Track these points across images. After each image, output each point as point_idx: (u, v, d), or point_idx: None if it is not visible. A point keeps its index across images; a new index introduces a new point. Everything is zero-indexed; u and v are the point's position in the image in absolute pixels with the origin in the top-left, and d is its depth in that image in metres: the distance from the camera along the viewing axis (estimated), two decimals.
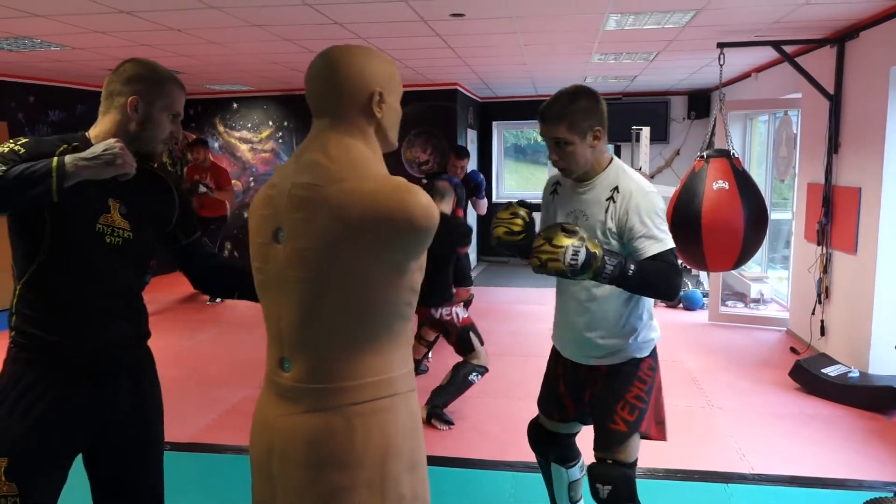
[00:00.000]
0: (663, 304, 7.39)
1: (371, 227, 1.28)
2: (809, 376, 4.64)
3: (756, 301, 7.02)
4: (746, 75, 7.80)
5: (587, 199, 2.17)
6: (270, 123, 9.41)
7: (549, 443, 2.51)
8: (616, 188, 2.11)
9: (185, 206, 1.99)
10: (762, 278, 7.28)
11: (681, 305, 7.31)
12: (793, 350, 5.56)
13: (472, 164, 10.03)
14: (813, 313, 5.44)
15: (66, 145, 1.72)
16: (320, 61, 1.43)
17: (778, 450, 3.74)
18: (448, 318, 4.16)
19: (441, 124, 8.82)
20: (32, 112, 7.71)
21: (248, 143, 9.52)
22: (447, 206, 4.16)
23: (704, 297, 7.23)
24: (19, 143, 1.66)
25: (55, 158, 1.55)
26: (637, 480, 3.29)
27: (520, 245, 2.14)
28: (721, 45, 5.16)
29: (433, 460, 3.57)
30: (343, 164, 1.35)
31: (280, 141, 9.41)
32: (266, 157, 9.48)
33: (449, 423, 4.11)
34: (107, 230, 1.76)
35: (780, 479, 3.39)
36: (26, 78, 7.53)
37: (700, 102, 9.76)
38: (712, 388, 4.75)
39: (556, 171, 2.26)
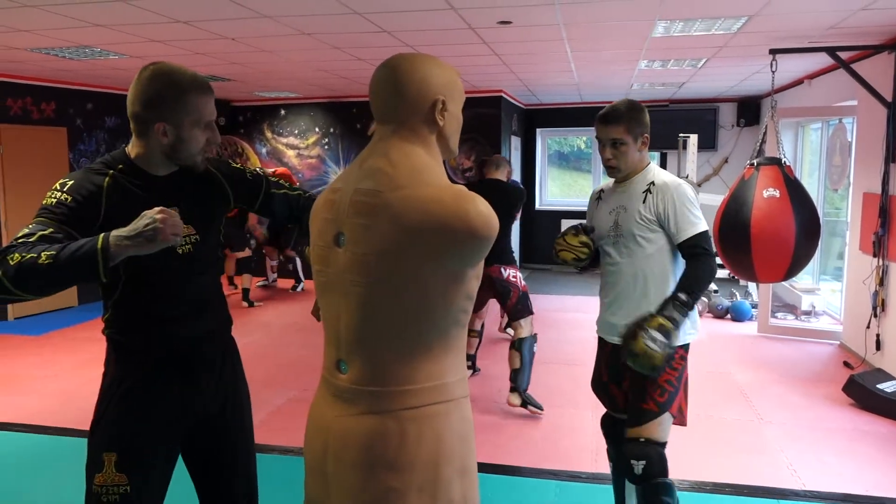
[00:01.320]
0: (710, 315, 7.26)
1: (431, 235, 1.30)
2: (864, 391, 4.50)
3: (807, 313, 6.84)
4: (799, 82, 7.63)
5: (627, 195, 2.48)
6: (317, 130, 9.55)
7: (621, 428, 2.59)
8: (652, 182, 2.44)
9: (237, 184, 1.99)
10: (814, 290, 7.10)
11: (729, 316, 7.17)
12: (846, 364, 5.40)
13: (516, 171, 10.03)
14: (868, 327, 5.28)
15: (111, 171, 1.75)
16: (384, 69, 1.46)
17: (831, 466, 3.64)
18: (514, 279, 4.42)
19: (485, 131, 8.83)
20: (90, 118, 7.99)
21: (295, 149, 9.68)
22: (503, 175, 4.71)
23: (753, 308, 7.07)
24: (66, 188, 1.68)
25: (99, 239, 1.51)
26: (684, 494, 3.26)
27: (582, 266, 2.54)
28: (773, 52, 5.06)
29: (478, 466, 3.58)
30: (404, 170, 1.37)
31: (326, 147, 9.54)
32: (312, 163, 9.63)
33: (539, 407, 4.38)
34: (177, 241, 1.76)
35: (834, 497, 3.30)
36: (85, 85, 7.81)
37: (750, 109, 9.57)
38: (762, 402, 4.64)
39: (594, 186, 2.47)
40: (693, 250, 2.35)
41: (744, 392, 4.85)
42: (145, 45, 5.32)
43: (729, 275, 7.98)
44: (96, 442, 1.82)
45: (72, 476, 3.56)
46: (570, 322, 7.01)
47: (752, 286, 7.76)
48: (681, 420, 2.48)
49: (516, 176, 10.09)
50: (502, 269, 4.39)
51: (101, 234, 1.53)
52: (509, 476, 3.54)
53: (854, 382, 4.59)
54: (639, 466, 2.35)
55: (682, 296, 2.26)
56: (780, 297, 7.31)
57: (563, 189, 11.38)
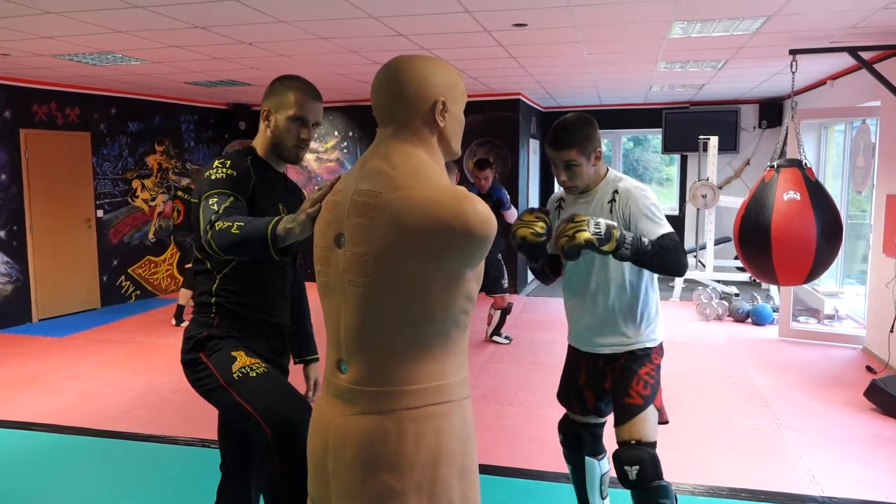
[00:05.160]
0: (731, 318, 7.18)
1: (429, 235, 1.31)
2: (886, 396, 4.41)
3: (830, 317, 6.73)
4: (822, 83, 7.53)
5: (591, 206, 2.43)
6: (336, 133, 9.61)
7: (583, 432, 2.63)
8: (616, 191, 2.39)
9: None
10: (837, 293, 6.98)
11: (749, 320, 7.08)
12: (869, 369, 5.31)
13: (535, 174, 10.01)
14: (892, 331, 5.18)
15: (248, 157, 2.13)
16: (385, 71, 1.47)
17: (851, 473, 3.58)
18: None
19: (503, 134, 8.83)
20: (113, 123, 8.12)
21: (315, 152, 9.75)
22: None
23: (774, 311, 6.98)
24: (227, 165, 2.03)
25: (271, 224, 1.70)
26: (699, 499, 3.23)
27: (541, 246, 2.34)
28: (793, 52, 4.99)
29: (493, 469, 3.57)
30: (404, 172, 1.38)
31: (345, 151, 9.60)
32: (331, 167, 9.69)
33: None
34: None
35: None
36: (108, 91, 7.94)
37: (772, 111, 9.46)
38: (781, 407, 4.57)
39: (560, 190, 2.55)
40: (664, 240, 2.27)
41: (763, 396, 4.79)
42: (165, 50, 5.40)
43: (750, 278, 7.89)
44: (222, 353, 2.06)
45: (90, 475, 3.63)
46: None
47: (773, 289, 7.66)
48: (662, 417, 2.46)
49: (534, 178, 10.06)
50: None
51: (274, 220, 1.71)
52: (526, 480, 3.52)
53: (876, 387, 4.51)
54: (633, 472, 2.27)
55: (646, 240, 2.19)
56: (803, 301, 7.21)
57: None
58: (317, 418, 1.50)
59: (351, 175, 1.48)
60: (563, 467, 3.62)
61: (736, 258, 6.95)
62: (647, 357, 2.45)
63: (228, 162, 2.05)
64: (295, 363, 2.48)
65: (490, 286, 6.05)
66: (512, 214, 6.01)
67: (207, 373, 2.06)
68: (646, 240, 2.20)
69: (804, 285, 5.69)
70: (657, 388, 2.43)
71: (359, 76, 7.01)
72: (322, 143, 9.70)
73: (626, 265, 2.37)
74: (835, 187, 7.30)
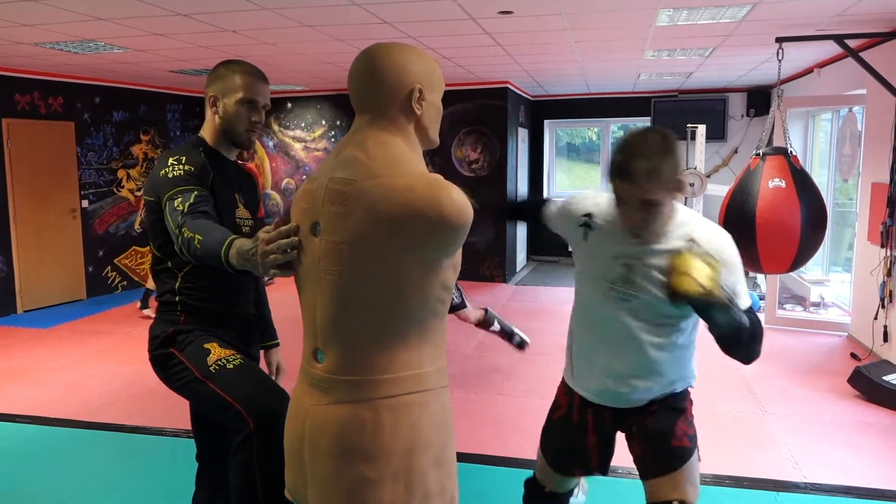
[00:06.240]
0: None
1: (404, 223, 1.29)
2: (870, 383, 4.45)
3: (816, 305, 6.77)
4: (808, 71, 7.54)
5: (651, 250, 1.82)
6: (323, 122, 9.56)
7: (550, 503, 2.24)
8: (692, 239, 1.79)
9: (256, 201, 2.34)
10: (823, 281, 7.02)
11: None
12: (853, 356, 5.35)
13: (523, 163, 9.99)
14: (875, 318, 5.22)
15: (201, 149, 2.08)
16: (362, 59, 1.45)
17: (834, 459, 3.61)
18: None
19: (492, 123, 8.79)
20: (98, 112, 8.03)
21: (302, 142, 9.69)
22: None
23: (761, 299, 7.01)
24: (183, 162, 1.97)
25: (224, 247, 1.60)
26: None
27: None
28: (780, 40, 4.99)
29: (477, 458, 3.57)
30: (380, 160, 1.36)
31: (332, 140, 9.55)
32: (319, 156, 9.64)
33: None
34: (242, 222, 2.13)
35: (835, 490, 3.26)
36: (92, 79, 7.84)
37: (760, 99, 9.46)
38: (766, 394, 4.60)
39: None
40: None
41: (748, 384, 4.81)
42: (147, 38, 5.33)
43: None
44: (194, 346, 2.03)
45: (76, 466, 3.61)
46: None
47: (760, 277, 7.70)
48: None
49: (524, 168, 10.04)
50: None
51: (228, 241, 1.61)
52: (511, 468, 3.53)
53: (859, 374, 4.54)
54: None
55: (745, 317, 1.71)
56: (790, 289, 7.25)
57: (573, 180, 11.30)
58: (293, 408, 1.49)
59: (327, 163, 1.46)
60: None
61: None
62: (688, 397, 2.01)
63: (183, 158, 1.99)
64: None
65: None
66: None
67: (181, 367, 2.03)
68: (745, 318, 1.65)
69: (791, 273, 5.72)
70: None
71: (345, 65, 6.94)
72: (309, 132, 9.64)
73: (694, 328, 1.92)
74: (822, 175, 7.33)
